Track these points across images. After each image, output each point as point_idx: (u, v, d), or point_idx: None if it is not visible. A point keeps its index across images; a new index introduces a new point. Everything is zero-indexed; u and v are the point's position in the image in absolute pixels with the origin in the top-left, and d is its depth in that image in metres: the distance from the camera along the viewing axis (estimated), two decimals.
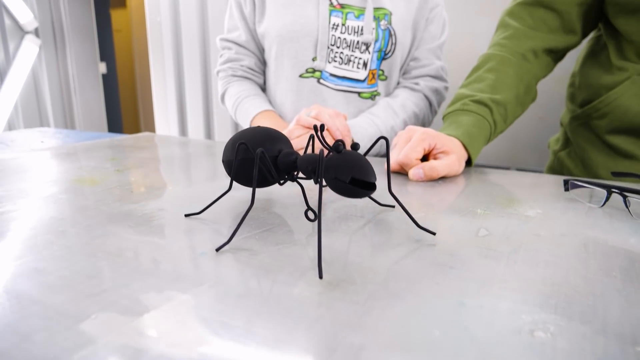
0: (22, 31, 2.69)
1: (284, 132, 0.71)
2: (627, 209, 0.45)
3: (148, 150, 0.78)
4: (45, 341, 0.22)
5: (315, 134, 0.36)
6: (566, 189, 0.51)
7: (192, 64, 2.17)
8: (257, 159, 0.35)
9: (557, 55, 0.74)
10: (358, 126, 0.76)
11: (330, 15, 0.79)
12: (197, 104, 2.21)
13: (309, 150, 0.65)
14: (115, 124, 3.39)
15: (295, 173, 0.41)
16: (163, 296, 0.27)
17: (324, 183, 0.45)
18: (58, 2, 2.80)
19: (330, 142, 0.68)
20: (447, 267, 0.32)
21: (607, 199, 0.46)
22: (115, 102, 3.38)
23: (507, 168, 1.42)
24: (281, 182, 0.41)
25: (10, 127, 2.71)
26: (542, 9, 0.72)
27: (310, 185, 0.54)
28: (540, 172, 0.76)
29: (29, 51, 2.69)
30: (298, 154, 0.40)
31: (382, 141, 0.80)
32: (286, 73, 0.84)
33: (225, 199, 0.47)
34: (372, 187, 0.34)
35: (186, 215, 0.42)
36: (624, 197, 0.44)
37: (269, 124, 0.81)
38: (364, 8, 0.79)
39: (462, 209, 0.45)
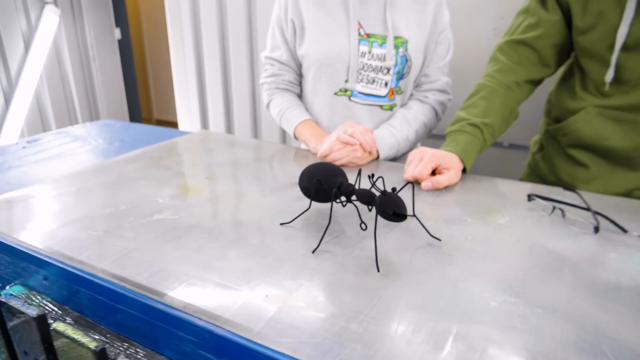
0: (42, 2, 2.80)
1: (326, 143, 0.93)
2: (563, 219, 0.68)
3: (216, 154, 1.00)
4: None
5: (369, 178, 0.59)
6: (529, 200, 0.74)
7: (212, 50, 2.30)
8: (332, 196, 0.58)
9: (535, 83, 0.95)
10: (381, 137, 0.98)
11: (359, 44, 0.98)
12: (217, 89, 2.37)
13: (354, 180, 0.88)
14: (132, 89, 3.54)
15: (353, 198, 0.64)
16: (296, 283, 0.51)
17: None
18: None
19: (361, 152, 0.91)
20: (447, 264, 0.56)
21: (552, 211, 0.69)
22: (130, 67, 3.52)
23: (501, 143, 1.64)
24: (344, 204, 0.64)
25: (37, 98, 2.87)
26: (524, 47, 0.92)
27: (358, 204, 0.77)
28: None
29: (50, 21, 2.81)
30: (354, 186, 0.63)
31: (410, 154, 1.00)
32: (323, 91, 1.04)
33: (303, 211, 0.71)
34: (405, 217, 0.57)
35: (281, 224, 0.65)
36: (562, 210, 0.67)
37: (309, 131, 1.03)
38: (386, 36, 0.98)
39: (457, 219, 0.69)
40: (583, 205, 0.69)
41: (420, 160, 0.82)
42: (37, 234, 0.62)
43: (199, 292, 0.49)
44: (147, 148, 1.02)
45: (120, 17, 3.32)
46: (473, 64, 1.59)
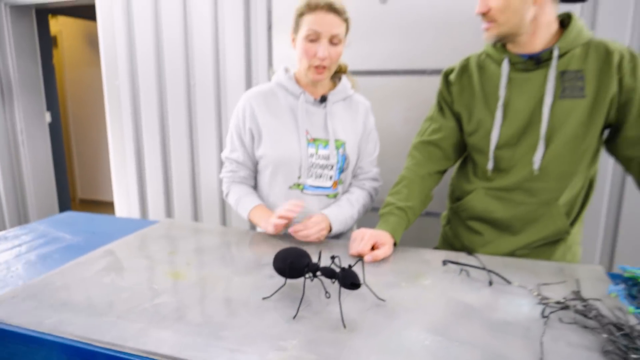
0: None
1: (272, 218, 1.14)
2: (468, 277, 0.93)
3: (187, 241, 1.15)
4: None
5: (331, 259, 0.80)
6: (444, 264, 0.99)
7: (151, 127, 2.46)
8: (305, 273, 0.78)
9: (442, 173, 1.25)
10: (333, 215, 1.19)
11: (307, 147, 1.22)
12: (156, 169, 2.50)
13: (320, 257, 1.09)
14: (61, 171, 3.51)
15: (318, 274, 0.84)
16: (287, 342, 0.69)
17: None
18: (6, 59, 2.94)
19: (325, 230, 1.16)
20: (392, 318, 0.77)
21: (460, 272, 0.94)
22: (60, 149, 3.52)
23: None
24: (312, 279, 0.84)
25: None
26: (432, 146, 1.22)
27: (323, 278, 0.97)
28: None
29: None
30: (318, 264, 0.83)
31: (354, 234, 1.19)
32: (279, 184, 1.25)
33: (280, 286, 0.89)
34: (360, 286, 0.78)
35: (264, 299, 0.83)
36: (467, 271, 0.93)
37: (261, 213, 1.23)
38: (328, 140, 1.23)
39: (394, 284, 0.91)
40: (480, 265, 0.96)
41: (362, 239, 1.05)
42: (52, 322, 0.74)
43: (216, 355, 0.65)
44: (125, 239, 1.15)
45: (52, 101, 3.37)
46: (388, 146, 1.92)
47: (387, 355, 0.66)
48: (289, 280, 0.90)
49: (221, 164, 1.51)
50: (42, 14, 3.21)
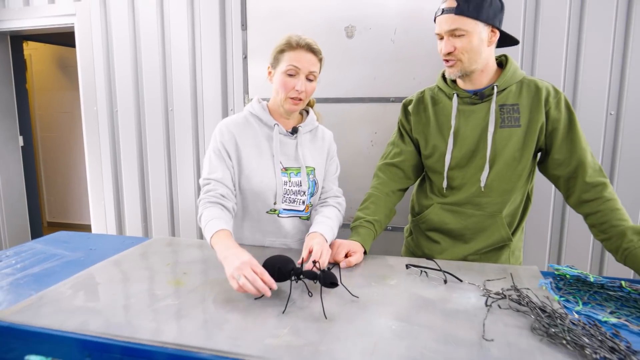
0: None
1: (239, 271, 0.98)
2: (427, 277, 1.11)
3: (179, 254, 1.28)
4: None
5: (313, 264, 0.95)
6: (407, 268, 1.16)
7: (129, 152, 2.56)
8: (291, 276, 0.93)
9: (404, 190, 1.44)
10: (326, 232, 1.25)
11: (282, 175, 1.36)
12: (134, 192, 2.59)
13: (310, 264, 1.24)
14: (33, 194, 3.51)
15: (301, 276, 0.99)
16: (280, 331, 0.83)
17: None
18: None
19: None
20: (364, 310, 0.93)
21: (421, 273, 1.12)
22: (32, 172, 3.53)
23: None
24: (297, 281, 0.99)
25: None
26: (394, 167, 1.41)
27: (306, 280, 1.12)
28: None
29: None
30: (302, 269, 0.98)
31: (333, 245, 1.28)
32: (257, 209, 1.36)
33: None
34: (337, 285, 0.93)
35: (256, 299, 0.97)
36: (426, 273, 1.10)
37: (223, 240, 1.11)
38: (300, 167, 1.38)
39: (365, 284, 1.07)
40: (437, 268, 1.13)
41: (337, 248, 1.21)
42: (73, 323, 0.86)
43: (221, 342, 0.79)
44: (124, 253, 1.27)
45: (24, 125, 3.40)
46: (355, 166, 2.11)
47: (361, 338, 0.81)
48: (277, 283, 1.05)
49: (199, 187, 1.48)
50: (17, 40, 3.26)
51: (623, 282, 1.01)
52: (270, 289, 0.95)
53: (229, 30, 2.31)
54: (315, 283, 0.95)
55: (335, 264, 1.16)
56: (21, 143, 3.39)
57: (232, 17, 2.28)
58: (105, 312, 0.91)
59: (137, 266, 1.18)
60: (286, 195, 1.36)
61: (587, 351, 0.76)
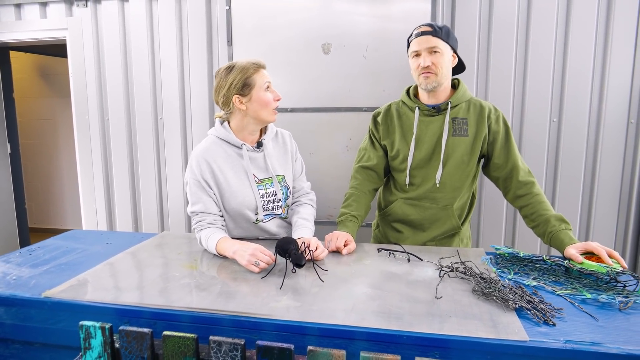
0: None
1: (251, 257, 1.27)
2: (395, 258, 1.37)
3: (187, 246, 1.50)
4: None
5: (307, 248, 1.20)
6: (378, 251, 1.42)
7: (120, 158, 2.73)
8: (288, 255, 1.18)
9: (377, 189, 1.70)
10: (306, 234, 1.49)
11: (258, 189, 1.53)
12: (125, 196, 2.76)
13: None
14: (20, 200, 3.62)
15: (290, 259, 1.23)
16: (281, 296, 1.08)
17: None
18: None
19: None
20: (344, 281, 1.18)
21: (389, 255, 1.38)
22: (19, 179, 3.64)
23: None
24: (290, 260, 1.23)
25: None
26: (368, 170, 1.67)
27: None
28: None
29: None
30: (294, 250, 1.22)
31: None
32: (241, 223, 1.55)
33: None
34: (303, 265, 1.18)
35: (262, 277, 1.21)
36: (394, 254, 1.36)
37: (226, 243, 1.36)
38: (271, 177, 1.56)
39: (346, 264, 1.32)
40: (403, 250, 1.39)
41: (337, 239, 1.45)
42: (112, 297, 1.08)
43: (236, 306, 1.02)
44: (138, 246, 1.48)
45: (12, 133, 3.52)
46: (333, 169, 2.36)
47: (343, 300, 1.06)
48: (279, 260, 1.28)
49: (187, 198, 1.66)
50: (4, 50, 3.38)
51: (544, 256, 1.29)
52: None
53: (215, 45, 2.52)
54: (302, 265, 1.20)
55: (335, 251, 1.41)
56: (9, 150, 3.50)
57: (219, 33, 2.49)
58: (135, 289, 1.13)
59: (153, 255, 1.39)
60: (265, 206, 1.55)
61: (510, 303, 1.04)
